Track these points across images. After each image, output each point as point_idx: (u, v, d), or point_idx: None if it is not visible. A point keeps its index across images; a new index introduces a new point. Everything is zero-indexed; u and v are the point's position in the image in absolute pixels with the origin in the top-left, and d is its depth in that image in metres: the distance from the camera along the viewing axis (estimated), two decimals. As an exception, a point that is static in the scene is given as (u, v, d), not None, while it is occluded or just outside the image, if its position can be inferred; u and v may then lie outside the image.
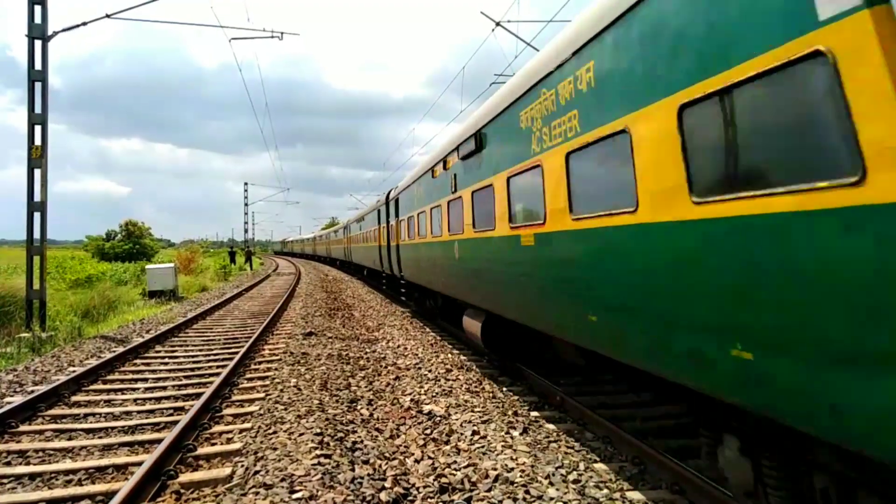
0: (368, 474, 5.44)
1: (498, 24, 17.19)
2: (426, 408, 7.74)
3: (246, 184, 67.35)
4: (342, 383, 9.04)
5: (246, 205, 67.87)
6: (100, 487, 5.37)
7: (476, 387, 8.75)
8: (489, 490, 5.12)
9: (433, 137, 50.22)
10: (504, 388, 8.67)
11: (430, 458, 6.01)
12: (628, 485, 5.23)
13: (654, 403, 7.35)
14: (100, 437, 6.82)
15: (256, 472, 5.40)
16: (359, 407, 7.88)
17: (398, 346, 12.41)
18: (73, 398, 8.37)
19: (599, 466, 5.66)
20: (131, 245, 60.47)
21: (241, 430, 6.82)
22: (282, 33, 21.46)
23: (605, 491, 5.08)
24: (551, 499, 4.94)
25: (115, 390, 8.94)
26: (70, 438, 6.79)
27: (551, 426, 6.91)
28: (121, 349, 11.65)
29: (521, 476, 5.37)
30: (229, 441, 6.55)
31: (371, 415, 7.59)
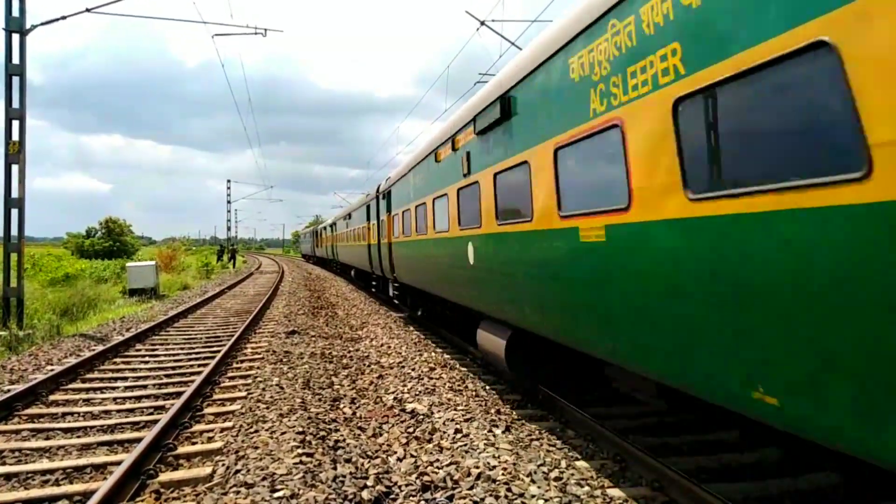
0: (351, 473, 5.43)
1: (483, 23, 17.23)
2: (409, 406, 7.74)
3: (229, 181, 66.88)
4: (325, 382, 9.00)
5: (229, 202, 67.35)
6: (77, 487, 5.30)
7: (459, 385, 8.77)
8: (471, 488, 5.13)
9: (417, 137, 49.97)
10: (487, 387, 8.69)
11: (412, 456, 6.02)
12: (609, 482, 5.27)
13: (633, 402, 7.41)
14: (78, 437, 6.73)
15: (237, 471, 5.37)
16: (342, 405, 7.86)
17: (382, 345, 12.38)
18: (51, 397, 8.25)
19: (581, 464, 5.70)
20: (111, 242, 59.67)
21: (223, 429, 6.77)
22: (265, 30, 21.34)
23: (587, 488, 5.12)
24: (533, 496, 4.96)
25: (95, 389, 8.83)
26: (47, 438, 6.69)
27: (534, 424, 6.94)
28: (100, 347, 11.51)
29: (503, 474, 5.39)
30: (210, 440, 6.50)
31: (354, 413, 7.57)
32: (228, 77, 30.38)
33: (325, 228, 47.49)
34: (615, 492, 5.05)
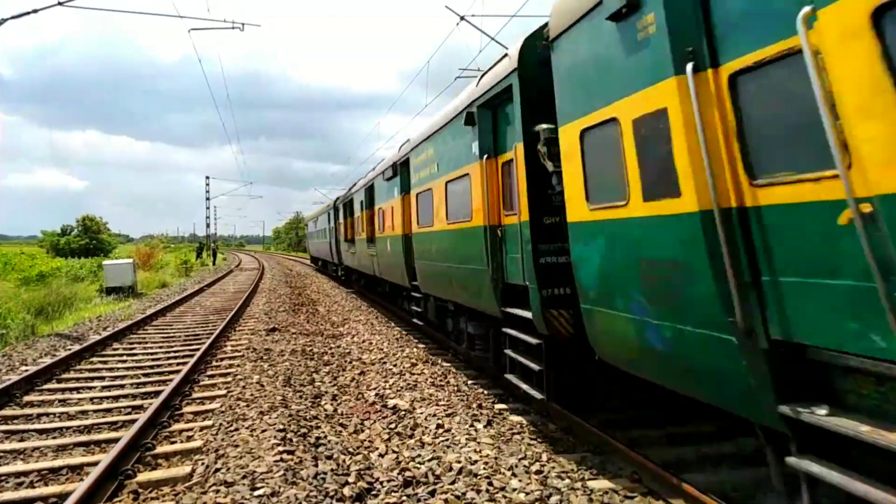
0: (332, 469, 5.41)
1: (462, 18, 17.19)
2: (391, 402, 7.73)
3: (207, 177, 66.09)
4: (306, 379, 8.96)
5: (207, 199, 66.60)
6: (53, 489, 5.22)
7: (441, 380, 8.77)
8: (453, 483, 5.14)
9: (397, 133, 49.65)
10: (469, 382, 8.71)
11: (394, 452, 6.01)
12: (590, 474, 5.31)
13: (615, 396, 7.46)
14: (54, 438, 6.62)
15: (217, 470, 5.32)
16: (323, 402, 7.82)
17: (363, 341, 12.35)
18: (26, 398, 8.10)
19: (562, 457, 5.74)
20: (88, 240, 58.69)
21: (202, 428, 6.71)
22: (243, 24, 21.06)
23: (567, 481, 5.15)
24: (514, 490, 4.99)
25: (71, 389, 8.69)
26: (22, 440, 6.57)
27: (515, 418, 6.98)
28: (77, 347, 11.32)
29: (484, 468, 5.41)
30: (189, 439, 6.44)
31: (335, 410, 7.55)
32: (206, 72, 30.00)
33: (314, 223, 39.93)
34: (595, 483, 5.10)
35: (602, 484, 5.09)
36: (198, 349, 10.97)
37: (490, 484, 5.09)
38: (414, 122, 29.75)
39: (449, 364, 9.98)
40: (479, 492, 4.95)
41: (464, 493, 4.93)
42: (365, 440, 6.48)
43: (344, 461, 5.71)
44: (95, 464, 5.53)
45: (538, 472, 5.34)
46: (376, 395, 8.16)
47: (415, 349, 11.23)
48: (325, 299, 21.19)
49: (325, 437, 6.41)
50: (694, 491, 4.52)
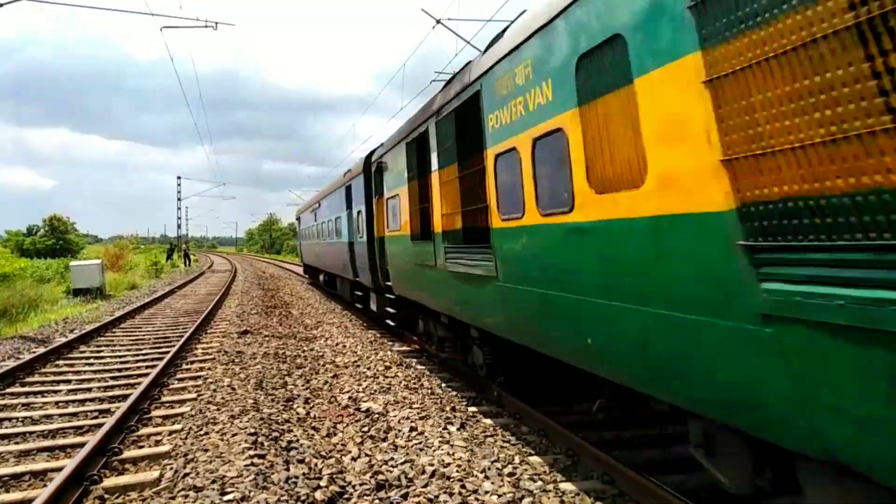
0: (304, 473, 5.36)
1: (438, 21, 17.23)
2: (364, 405, 7.69)
3: (179, 178, 65.32)
4: (278, 382, 8.87)
5: (179, 199, 65.70)
6: (14, 496, 5.09)
7: (415, 383, 8.76)
8: (425, 486, 5.14)
9: (371, 136, 49.46)
10: (443, 385, 8.71)
11: (367, 455, 5.99)
12: (561, 476, 5.36)
13: (588, 398, 7.52)
14: (16, 443, 6.45)
15: (186, 475, 5.24)
16: (295, 406, 7.75)
17: (337, 344, 12.27)
18: (-13, 402, 7.88)
19: (534, 459, 5.77)
20: (55, 241, 57.34)
21: (171, 432, 6.59)
22: (216, 23, 20.83)
23: (539, 483, 5.18)
24: (487, 492, 5.00)
25: (35, 393, 8.47)
26: (-18, 445, 6.39)
27: (488, 421, 7.00)
28: (41, 350, 11.05)
29: (457, 471, 5.41)
30: (158, 443, 6.32)
31: (308, 413, 7.48)
32: (179, 71, 29.56)
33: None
34: (567, 486, 5.14)
35: (574, 486, 5.13)
36: (167, 352, 10.78)
37: (463, 486, 5.10)
38: (389, 124, 29.68)
39: (423, 367, 9.97)
40: (451, 494, 4.96)
41: (437, 496, 4.93)
42: (338, 444, 6.44)
43: (316, 465, 5.67)
44: (59, 469, 5.39)
45: (511, 475, 5.36)
46: (349, 398, 8.12)
47: (389, 352, 11.19)
48: (299, 302, 21.00)
49: (298, 440, 6.36)
50: (664, 492, 4.58)
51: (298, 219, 31.25)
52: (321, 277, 24.76)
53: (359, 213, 14.41)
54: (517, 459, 5.75)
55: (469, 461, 5.65)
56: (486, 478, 5.30)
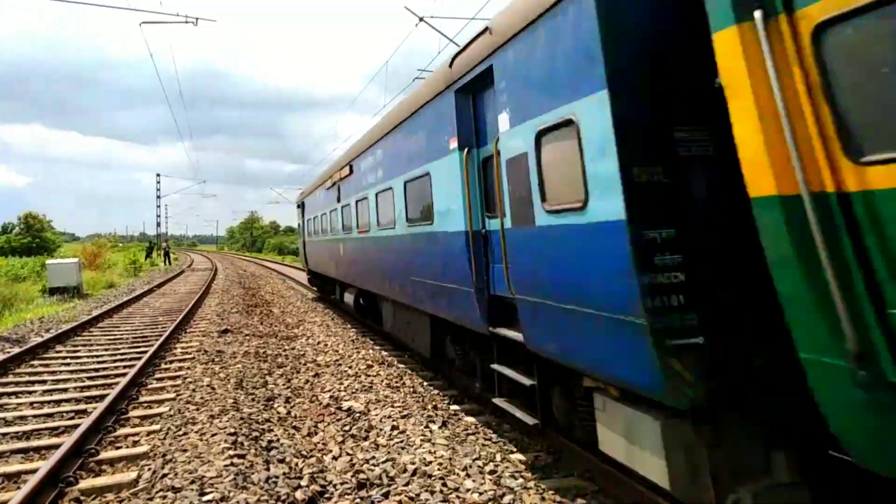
0: (284, 473, 5.32)
1: (422, 19, 17.21)
2: (346, 404, 7.66)
3: (158, 175, 64.47)
4: (259, 381, 8.80)
5: (159, 197, 64.91)
6: (-12, 498, 4.99)
7: (397, 382, 8.74)
8: (407, 484, 5.13)
9: (350, 137, 49.06)
10: (425, 383, 8.71)
11: (348, 454, 5.96)
12: (542, 474, 5.38)
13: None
14: (-11, 445, 6.33)
15: (164, 475, 5.18)
16: (276, 405, 7.70)
17: (318, 343, 12.21)
18: (-41, 403, 7.72)
19: (516, 457, 5.79)
20: (30, 239, 56.29)
21: (149, 433, 6.52)
22: (196, 19, 20.60)
23: (521, 480, 5.20)
24: (468, 490, 5.01)
25: (9, 394, 8.31)
26: (-46, 447, 6.26)
27: (470, 419, 7.00)
28: (16, 350, 10.83)
29: (438, 469, 5.42)
30: (136, 444, 6.25)
31: (289, 413, 7.44)
32: (159, 67, 29.16)
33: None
34: (548, 483, 5.16)
35: (555, 483, 5.16)
36: (146, 351, 10.64)
37: (444, 484, 5.10)
38: (372, 121, 29.58)
39: (405, 365, 9.95)
40: (433, 493, 4.96)
41: (418, 495, 4.93)
42: (319, 443, 6.40)
43: (297, 464, 5.63)
44: (34, 471, 5.30)
45: (492, 472, 5.37)
46: (331, 397, 8.08)
47: (371, 350, 11.16)
48: (280, 300, 20.86)
49: (278, 440, 6.31)
50: (642, 487, 4.62)
51: (302, 206, 21.78)
52: (346, 295, 14.65)
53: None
54: (499, 457, 5.76)
55: (451, 459, 5.66)
56: (468, 476, 5.31)
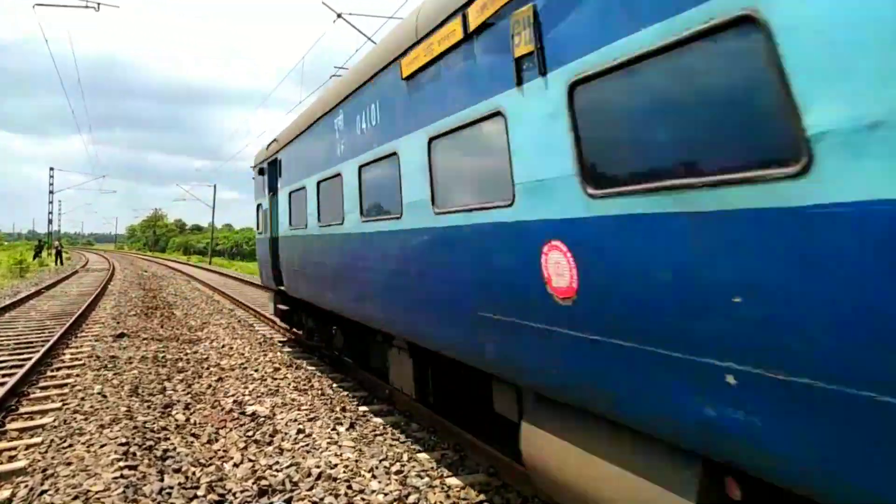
0: (180, 483, 5.07)
1: (339, 15, 16.98)
2: (249, 409, 7.40)
3: (52, 169, 60.10)
4: (156, 388, 8.34)
5: (51, 192, 60.50)
6: None
7: (304, 384, 8.55)
8: (311, 488, 5.02)
9: (264, 132, 47.56)
10: (334, 385, 8.56)
11: (250, 460, 5.75)
12: (448, 471, 5.41)
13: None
14: None
15: (44, 492, 4.80)
16: (174, 412, 7.32)
17: (223, 346, 11.73)
18: None
19: (422, 456, 5.79)
20: None
21: (29, 446, 6.03)
22: (98, 4, 19.33)
23: (427, 479, 5.21)
24: (373, 491, 4.96)
25: None
26: None
27: (378, 420, 6.95)
28: None
29: (344, 472, 5.33)
30: (12, 459, 5.76)
31: (188, 420, 7.09)
32: (54, 53, 27.05)
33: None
34: (453, 480, 5.20)
35: (460, 480, 5.20)
36: (29, 358, 9.84)
37: (349, 487, 5.03)
38: (288, 117, 28.83)
39: (314, 367, 9.75)
40: (337, 496, 4.87)
41: (322, 499, 4.83)
42: (219, 450, 6.14)
43: (194, 473, 5.37)
44: None
45: (398, 472, 5.35)
46: (234, 401, 7.78)
47: (279, 353, 10.86)
48: (183, 302, 19.90)
49: (175, 448, 6.00)
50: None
51: (269, 170, 11.70)
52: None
53: None
54: (405, 457, 5.75)
55: (357, 461, 5.59)
56: (374, 477, 5.26)
